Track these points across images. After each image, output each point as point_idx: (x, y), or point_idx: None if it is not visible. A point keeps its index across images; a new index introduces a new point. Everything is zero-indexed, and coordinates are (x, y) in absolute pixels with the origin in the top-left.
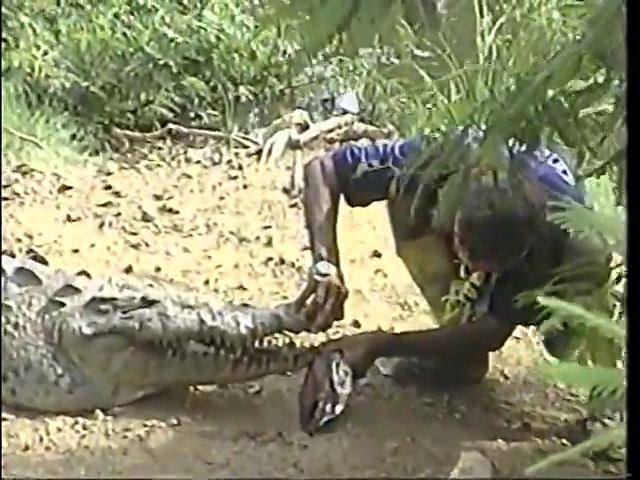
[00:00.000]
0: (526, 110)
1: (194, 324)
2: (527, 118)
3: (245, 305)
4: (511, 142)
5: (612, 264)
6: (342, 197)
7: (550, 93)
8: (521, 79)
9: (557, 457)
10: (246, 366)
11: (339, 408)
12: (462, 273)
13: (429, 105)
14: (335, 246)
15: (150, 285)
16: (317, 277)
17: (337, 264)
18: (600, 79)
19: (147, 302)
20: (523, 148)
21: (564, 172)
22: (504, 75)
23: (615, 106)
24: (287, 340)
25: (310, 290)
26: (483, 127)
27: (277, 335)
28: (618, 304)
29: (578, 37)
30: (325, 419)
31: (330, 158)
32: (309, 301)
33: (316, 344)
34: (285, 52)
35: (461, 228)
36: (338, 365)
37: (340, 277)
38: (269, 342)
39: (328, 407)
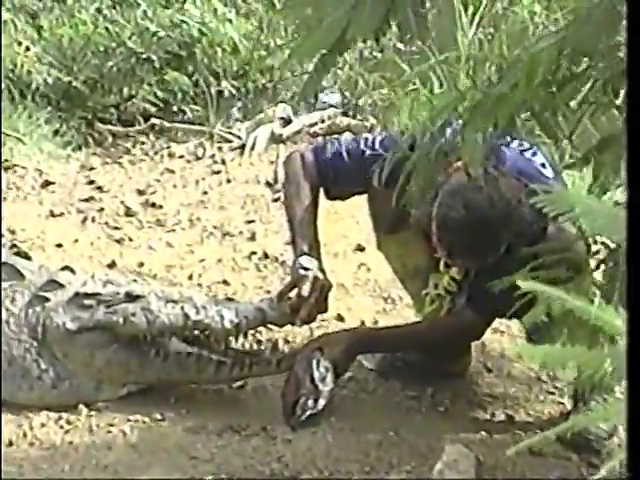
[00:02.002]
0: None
1: (178, 318)
2: (503, 101)
3: (229, 299)
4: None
5: (590, 253)
6: (322, 190)
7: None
8: (502, 69)
9: (533, 441)
10: (229, 368)
11: (321, 403)
12: (442, 267)
13: (411, 98)
14: (316, 240)
15: (134, 280)
16: (300, 271)
17: (319, 258)
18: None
19: (131, 297)
20: (498, 131)
21: (542, 165)
22: (486, 66)
23: (594, 95)
24: (271, 344)
25: (293, 284)
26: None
27: (261, 338)
28: (598, 292)
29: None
30: (307, 414)
31: (310, 151)
32: (293, 295)
33: (300, 347)
34: (268, 47)
35: (438, 227)
36: (319, 362)
37: (322, 270)
38: (251, 345)
39: (310, 402)
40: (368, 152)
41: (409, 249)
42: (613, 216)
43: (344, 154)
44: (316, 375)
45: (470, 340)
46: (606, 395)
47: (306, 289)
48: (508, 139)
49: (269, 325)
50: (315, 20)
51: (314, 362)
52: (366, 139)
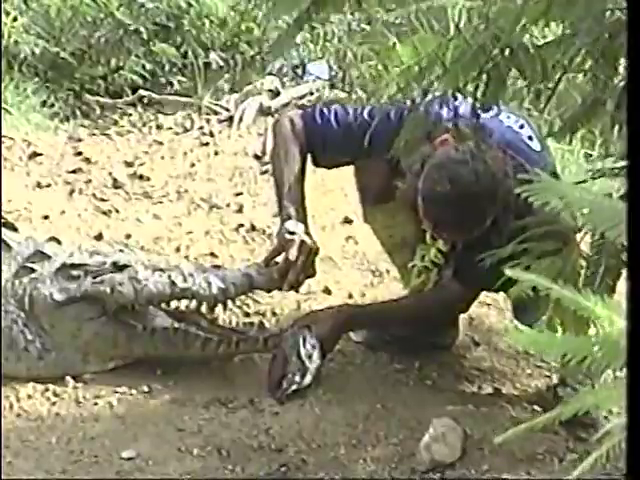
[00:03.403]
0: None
1: (165, 287)
2: (493, 60)
3: (216, 267)
4: (474, 88)
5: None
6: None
7: (518, 39)
8: (488, 18)
9: (525, 426)
10: (216, 344)
11: (308, 379)
12: (428, 239)
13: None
14: (303, 204)
15: (120, 251)
16: (286, 235)
17: (305, 222)
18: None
19: (118, 267)
20: (487, 97)
21: (529, 138)
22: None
23: (581, 57)
24: (257, 321)
25: (280, 248)
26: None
27: (249, 311)
28: (584, 263)
29: None
30: (293, 388)
31: (299, 116)
32: (280, 259)
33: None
34: (255, 18)
35: (423, 201)
36: (305, 339)
37: (309, 234)
38: (238, 323)
39: (297, 378)
40: (356, 121)
41: (396, 220)
42: (608, 209)
43: (333, 122)
44: (303, 352)
45: (457, 313)
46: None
47: (293, 253)
48: (496, 110)
49: (256, 291)
50: None
51: (301, 339)
52: (355, 108)
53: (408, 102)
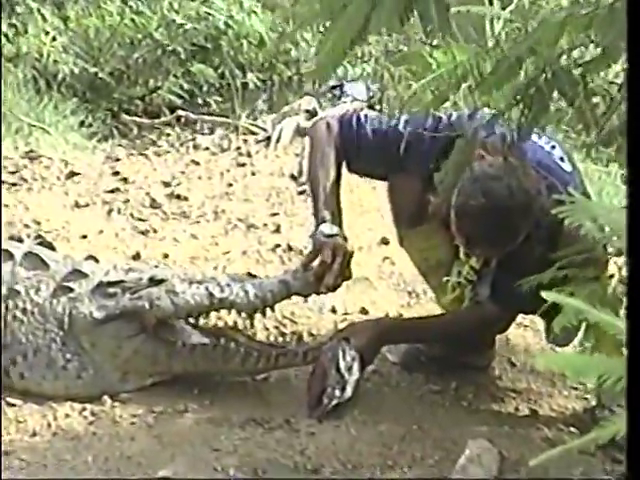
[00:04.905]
0: (534, 78)
1: (203, 298)
2: (536, 85)
3: (251, 275)
4: (519, 111)
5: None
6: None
7: (560, 62)
8: (527, 31)
9: (560, 449)
10: (255, 359)
11: (348, 393)
12: (462, 255)
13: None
14: (338, 207)
15: (155, 266)
16: (322, 238)
17: (340, 225)
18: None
19: (154, 281)
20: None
21: (561, 159)
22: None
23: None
24: (295, 336)
25: (315, 252)
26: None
27: (285, 331)
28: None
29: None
30: (334, 403)
31: (336, 121)
32: (316, 263)
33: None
34: (294, 39)
35: (457, 215)
36: (344, 352)
37: (344, 237)
38: (276, 338)
39: (337, 392)
40: (391, 132)
41: (431, 243)
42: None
43: (368, 130)
44: (342, 365)
45: (494, 333)
46: None
47: (328, 254)
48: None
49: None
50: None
51: (340, 352)
52: (391, 119)
53: (443, 114)
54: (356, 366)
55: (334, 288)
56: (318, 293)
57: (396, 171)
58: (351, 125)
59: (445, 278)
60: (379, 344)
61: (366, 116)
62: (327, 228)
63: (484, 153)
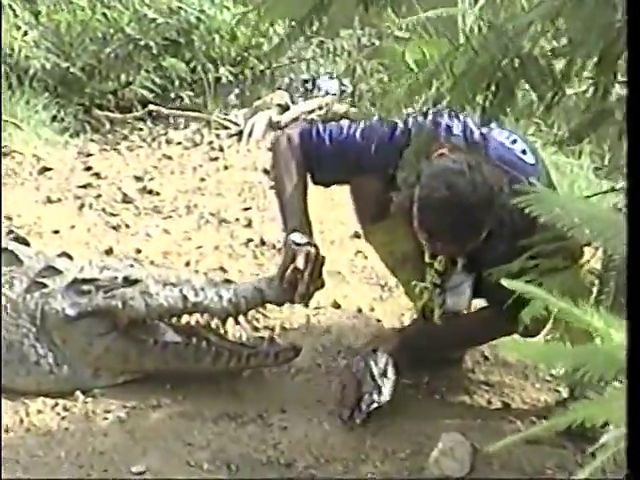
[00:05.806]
0: (501, 63)
1: (177, 301)
2: (502, 71)
3: (227, 281)
4: (484, 97)
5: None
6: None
7: (526, 49)
8: (497, 28)
9: (522, 435)
10: (226, 359)
11: (385, 396)
12: (427, 258)
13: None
14: (307, 216)
15: (131, 265)
16: (294, 247)
17: (310, 233)
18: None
19: (129, 281)
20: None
21: (523, 152)
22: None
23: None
24: (267, 336)
25: (288, 262)
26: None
27: (258, 325)
28: (597, 281)
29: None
30: (373, 406)
31: (297, 134)
32: (288, 272)
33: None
34: (266, 33)
35: (419, 209)
36: (376, 360)
37: (315, 245)
38: (248, 338)
39: (375, 396)
40: (347, 139)
41: (395, 237)
42: (609, 221)
43: (326, 140)
44: (375, 372)
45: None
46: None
47: (300, 261)
48: (487, 128)
49: (266, 305)
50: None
51: (371, 361)
52: (349, 127)
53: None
54: (390, 369)
55: (308, 298)
56: (292, 302)
57: (357, 175)
58: (311, 137)
59: (412, 283)
60: (409, 347)
61: (325, 126)
62: (297, 237)
63: (446, 151)
